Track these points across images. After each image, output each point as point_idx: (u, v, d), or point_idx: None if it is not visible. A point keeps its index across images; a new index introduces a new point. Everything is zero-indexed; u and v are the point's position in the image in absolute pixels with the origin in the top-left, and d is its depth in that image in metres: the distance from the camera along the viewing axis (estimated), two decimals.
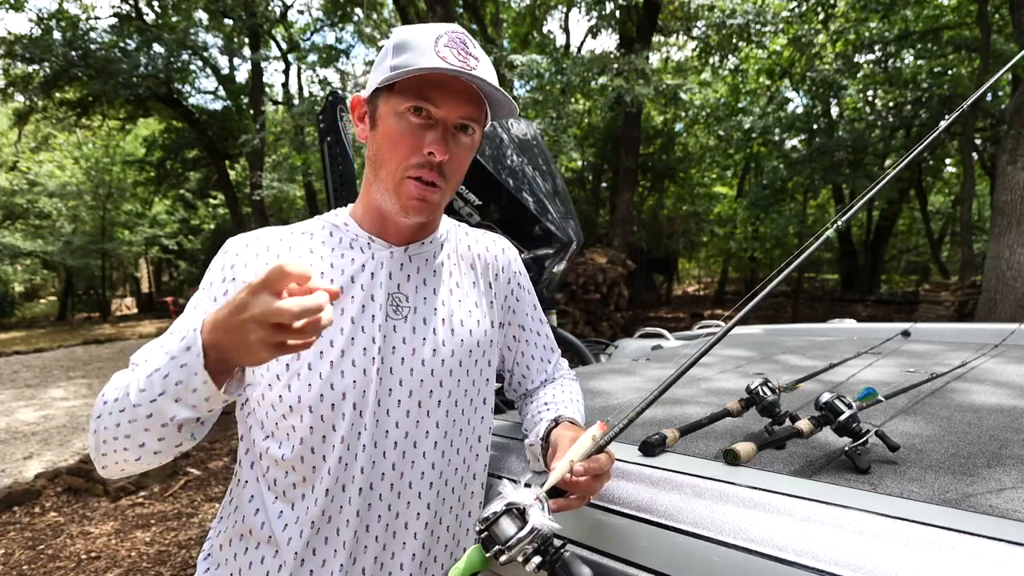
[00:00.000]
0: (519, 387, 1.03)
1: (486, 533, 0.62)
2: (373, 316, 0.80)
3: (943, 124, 0.93)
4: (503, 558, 0.60)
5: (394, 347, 0.81)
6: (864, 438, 0.86)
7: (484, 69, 0.76)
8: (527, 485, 0.65)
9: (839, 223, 0.86)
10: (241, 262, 0.79)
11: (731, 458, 0.87)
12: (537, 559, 0.60)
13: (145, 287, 23.82)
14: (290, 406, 0.77)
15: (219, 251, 0.82)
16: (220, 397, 0.64)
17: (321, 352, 0.77)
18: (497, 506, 0.62)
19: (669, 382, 0.75)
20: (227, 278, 0.79)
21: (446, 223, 0.94)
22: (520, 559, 0.61)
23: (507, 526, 0.61)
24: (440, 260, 0.89)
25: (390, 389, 0.80)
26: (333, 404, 0.77)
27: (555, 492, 0.71)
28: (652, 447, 0.91)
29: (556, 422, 0.87)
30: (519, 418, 1.05)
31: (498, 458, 1.02)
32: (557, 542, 0.62)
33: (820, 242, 0.85)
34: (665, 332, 2.98)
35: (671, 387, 0.75)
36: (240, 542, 0.81)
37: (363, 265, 0.82)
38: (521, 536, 0.60)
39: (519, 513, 0.62)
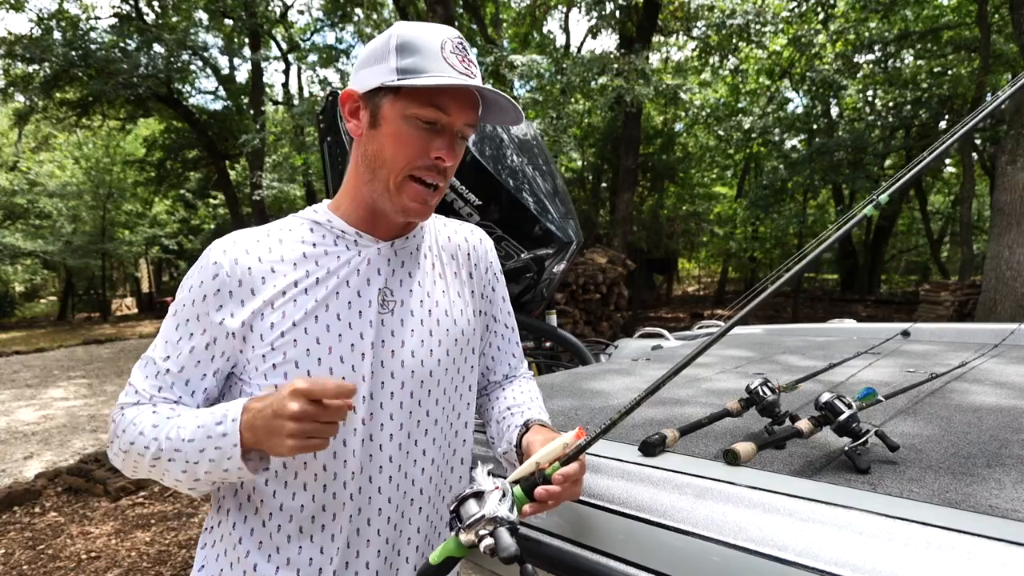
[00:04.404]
0: (481, 378, 1.04)
1: (455, 514, 0.68)
2: (361, 312, 0.81)
3: (1002, 96, 0.80)
4: (462, 537, 0.66)
5: (383, 341, 0.82)
6: (864, 438, 0.86)
7: (478, 74, 0.79)
8: (494, 474, 0.70)
9: (882, 197, 0.77)
10: (225, 271, 0.78)
11: (731, 458, 0.87)
12: (489, 541, 0.64)
13: (145, 287, 23.83)
14: None
15: (200, 257, 0.81)
16: (250, 477, 0.74)
17: (308, 350, 0.78)
18: (467, 489, 0.68)
19: (642, 397, 0.74)
20: (211, 290, 0.78)
21: None
22: (474, 539, 0.65)
23: (471, 507, 0.67)
24: (423, 252, 0.90)
25: (382, 383, 0.81)
26: None
27: (528, 492, 0.72)
28: (652, 447, 0.91)
29: (526, 427, 0.88)
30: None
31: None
32: (504, 529, 0.65)
33: (855, 222, 0.78)
34: (665, 332, 2.98)
35: (660, 389, 0.75)
36: (235, 530, 0.82)
37: (349, 262, 0.82)
38: (476, 519, 0.65)
39: (479, 498, 0.67)
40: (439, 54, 0.74)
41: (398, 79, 0.74)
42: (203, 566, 0.85)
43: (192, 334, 0.79)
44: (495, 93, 0.78)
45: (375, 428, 0.81)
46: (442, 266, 0.92)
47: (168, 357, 0.79)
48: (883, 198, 0.77)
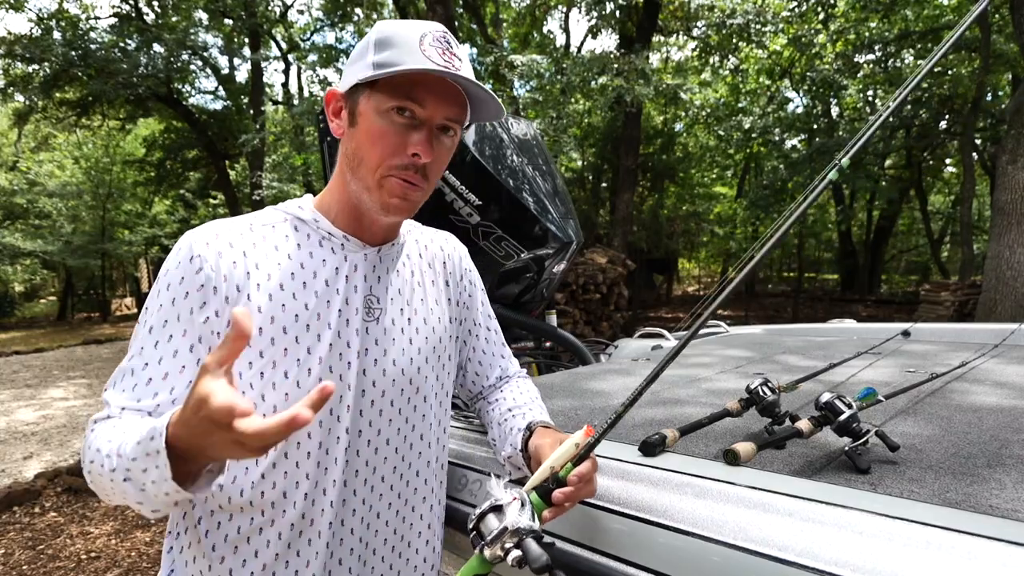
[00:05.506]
0: (473, 386, 1.04)
1: (475, 531, 0.67)
2: (348, 320, 0.79)
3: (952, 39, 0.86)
4: (486, 552, 0.65)
5: (367, 349, 0.80)
6: (864, 438, 0.86)
7: (467, 69, 0.75)
8: (512, 481, 0.69)
9: (844, 160, 0.80)
10: (209, 265, 0.74)
11: (731, 458, 0.87)
12: (516, 553, 0.64)
13: (145, 287, 23.80)
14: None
15: (175, 251, 0.76)
16: (185, 497, 0.60)
17: (299, 360, 0.76)
18: (485, 504, 0.67)
19: (645, 384, 0.75)
20: (194, 286, 0.74)
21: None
22: (500, 553, 0.64)
23: (491, 522, 0.66)
24: (402, 260, 0.89)
25: (363, 391, 0.80)
26: None
27: (545, 497, 0.72)
28: (652, 447, 0.91)
29: (530, 429, 0.88)
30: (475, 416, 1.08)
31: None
32: (531, 539, 0.65)
33: (824, 187, 0.81)
34: (665, 332, 2.98)
35: (651, 384, 0.75)
36: (208, 537, 0.80)
37: (336, 268, 0.80)
38: (499, 532, 0.64)
39: (499, 511, 0.67)
40: (416, 47, 0.72)
41: (372, 73, 0.72)
42: (172, 571, 0.81)
43: (172, 336, 0.73)
44: (474, 85, 0.74)
45: (354, 435, 0.80)
46: (420, 274, 0.91)
47: (148, 364, 0.73)
48: (845, 161, 0.82)
